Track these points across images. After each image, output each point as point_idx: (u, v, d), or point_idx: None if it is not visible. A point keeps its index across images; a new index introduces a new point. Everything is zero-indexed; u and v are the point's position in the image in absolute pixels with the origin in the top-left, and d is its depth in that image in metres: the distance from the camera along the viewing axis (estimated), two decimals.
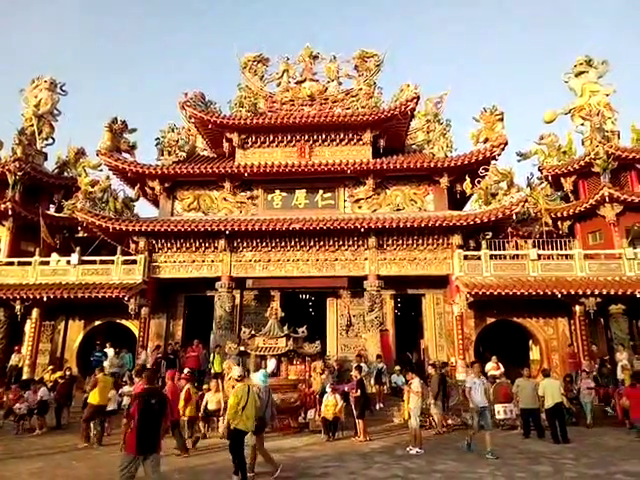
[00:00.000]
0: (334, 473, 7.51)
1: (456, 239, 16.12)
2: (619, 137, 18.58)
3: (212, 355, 14.47)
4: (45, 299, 15.72)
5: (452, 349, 15.88)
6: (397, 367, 14.40)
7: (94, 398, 10.01)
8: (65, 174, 20.78)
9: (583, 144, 19.03)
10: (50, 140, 21.01)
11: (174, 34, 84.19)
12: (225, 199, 17.89)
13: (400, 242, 16.44)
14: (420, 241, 16.39)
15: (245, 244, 16.89)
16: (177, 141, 18.30)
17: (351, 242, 16.58)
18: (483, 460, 8.32)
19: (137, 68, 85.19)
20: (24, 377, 14.91)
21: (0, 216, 18.36)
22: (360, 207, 17.50)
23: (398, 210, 17.29)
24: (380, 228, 15.85)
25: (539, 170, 19.93)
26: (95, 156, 18.62)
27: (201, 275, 16.97)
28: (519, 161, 20.22)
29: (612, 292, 14.25)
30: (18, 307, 15.80)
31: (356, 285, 16.69)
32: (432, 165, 16.74)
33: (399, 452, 9.00)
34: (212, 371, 13.90)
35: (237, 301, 17.25)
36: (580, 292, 14.39)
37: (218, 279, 16.73)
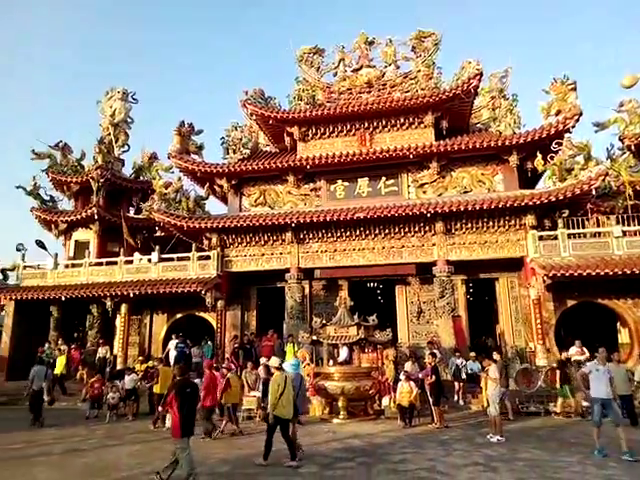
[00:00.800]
0: (412, 459, 7.58)
1: (529, 219, 15.38)
2: None
3: (286, 344, 14.96)
4: (131, 295, 17.00)
5: (530, 334, 15.26)
6: (472, 353, 14.10)
7: (157, 388, 11.05)
8: (141, 178, 22.24)
9: None
10: (126, 147, 22.53)
11: (233, 33, 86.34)
12: (289, 192, 18.26)
13: (469, 225, 15.98)
14: (490, 223, 15.82)
15: (311, 235, 17.18)
16: (241, 139, 18.87)
17: (417, 228, 16.35)
18: (567, 448, 8.04)
19: (199, 71, 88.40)
20: (118, 367, 16.27)
21: (88, 220, 20.03)
22: (425, 192, 17.17)
23: (465, 192, 16.76)
24: (447, 212, 15.48)
25: (620, 140, 18.40)
26: (167, 159, 19.69)
27: (271, 267, 17.52)
28: (596, 132, 18.75)
29: None
30: (109, 303, 17.23)
31: (425, 271, 16.47)
32: (500, 143, 16.03)
33: (479, 440, 8.88)
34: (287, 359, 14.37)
35: (306, 291, 17.65)
36: None
37: (287, 271, 17.19)
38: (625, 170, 16.63)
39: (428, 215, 15.63)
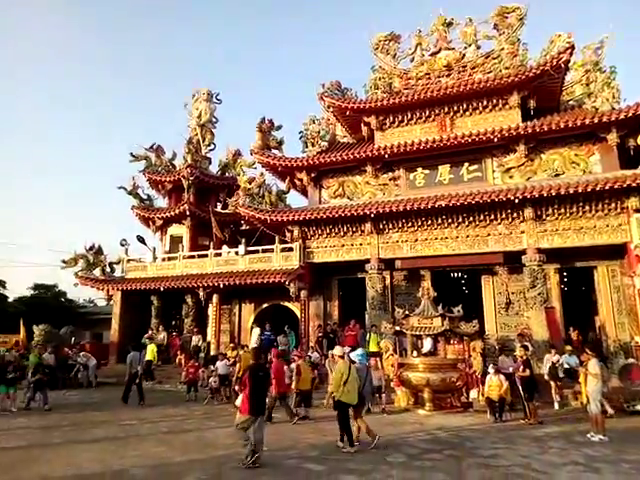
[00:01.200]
0: (504, 455, 7.36)
1: (633, 202, 14.08)
2: None
3: (368, 334, 15.10)
4: (221, 286, 18.07)
5: (636, 327, 14.05)
6: (568, 347, 13.26)
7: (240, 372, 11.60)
8: (226, 174, 23.40)
9: None
10: (212, 146, 23.81)
11: (310, 25, 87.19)
12: (368, 183, 18.24)
13: (562, 211, 14.97)
14: (587, 208, 14.71)
15: (391, 225, 17.08)
16: (319, 132, 19.14)
17: (504, 215, 15.62)
18: None
19: (276, 67, 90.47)
20: (211, 354, 17.42)
21: (180, 216, 21.52)
22: (511, 177, 16.32)
23: (557, 175, 15.69)
24: (537, 197, 14.62)
25: None
26: (249, 155, 20.52)
27: (351, 258, 17.69)
28: None
29: None
30: (201, 293, 18.46)
31: (513, 260, 15.72)
32: (596, 121, 14.77)
33: (578, 438, 8.39)
34: (369, 350, 14.52)
35: (387, 282, 17.62)
36: None
37: (367, 261, 17.26)
38: None
39: (516, 201, 14.87)
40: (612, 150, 15.15)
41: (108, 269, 21.05)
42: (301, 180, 19.23)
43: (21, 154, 79.05)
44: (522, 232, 15.49)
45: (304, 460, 7.02)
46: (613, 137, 14.94)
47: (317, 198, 19.04)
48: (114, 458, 7.19)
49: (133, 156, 23.03)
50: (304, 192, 20.26)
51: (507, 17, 17.35)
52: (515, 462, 6.92)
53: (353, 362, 8.64)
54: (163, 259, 20.75)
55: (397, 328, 12.93)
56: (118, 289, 20.22)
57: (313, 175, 18.94)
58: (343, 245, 17.88)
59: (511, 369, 10.81)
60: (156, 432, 9.20)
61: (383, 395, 11.16)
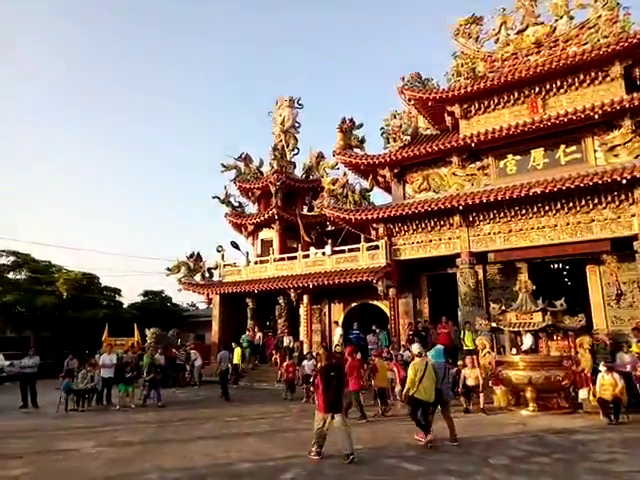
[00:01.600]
0: (624, 460, 6.73)
1: None
2: None
3: (462, 332, 14.59)
4: (311, 286, 18.54)
5: None
6: None
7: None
8: (310, 177, 23.95)
9: None
10: (296, 150, 24.54)
11: (389, 17, 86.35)
12: (454, 174, 17.60)
13: None
14: None
15: (481, 217, 16.34)
16: (400, 126, 18.87)
17: (610, 198, 14.23)
18: None
19: (353, 65, 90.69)
20: (304, 353, 17.92)
21: (269, 221, 22.44)
22: (616, 155, 14.79)
23: None
24: None
25: None
26: (332, 157, 20.79)
27: (439, 254, 17.20)
28: None
29: None
30: (292, 294, 19.09)
31: (623, 247, 14.24)
32: None
33: None
34: (464, 347, 14.04)
35: (480, 276, 16.88)
36: None
37: (457, 256, 16.67)
38: None
39: (624, 182, 13.46)
40: None
41: (207, 274, 22.56)
42: (384, 177, 19.08)
43: (130, 170, 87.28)
44: (632, 215, 13.98)
45: (401, 459, 6.98)
46: None
47: (401, 194, 18.76)
48: (220, 452, 7.68)
49: (224, 166, 24.40)
50: (387, 189, 20.08)
51: None
52: (637, 468, 6.30)
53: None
54: (255, 262, 21.76)
55: (493, 324, 12.34)
56: (216, 293, 21.57)
57: (396, 171, 18.69)
58: (431, 240, 17.44)
59: (628, 367, 9.82)
60: (257, 429, 9.67)
61: (481, 394, 10.72)
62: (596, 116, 14.46)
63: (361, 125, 19.99)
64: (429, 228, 17.39)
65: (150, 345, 18.60)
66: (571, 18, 16.41)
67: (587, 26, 15.82)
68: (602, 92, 15.12)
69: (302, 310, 19.92)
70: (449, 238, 17.06)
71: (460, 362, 11.79)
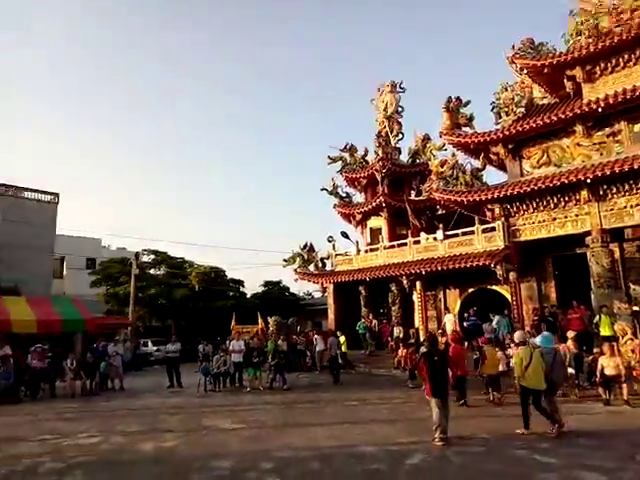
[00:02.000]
0: None
1: None
2: None
3: (597, 316, 13.27)
4: (423, 273, 18.22)
5: None
6: None
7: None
8: (417, 161, 23.41)
9: None
10: (400, 135, 24.12)
11: None
12: (578, 144, 15.95)
13: None
14: None
15: (615, 190, 14.63)
16: (512, 99, 17.52)
17: None
18: None
19: (456, 39, 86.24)
20: (421, 340, 17.72)
21: (377, 209, 22.45)
22: None
23: None
24: None
25: None
26: (439, 138, 20.07)
27: (565, 232, 15.77)
28: None
29: None
30: (404, 281, 18.94)
31: None
32: None
33: None
34: (600, 333, 12.76)
35: (616, 255, 15.16)
36: None
37: (587, 234, 15.14)
38: None
39: None
40: None
41: (320, 264, 23.32)
42: (497, 154, 17.96)
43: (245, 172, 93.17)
44: None
45: (533, 450, 6.66)
46: None
47: (518, 171, 17.51)
48: (344, 435, 8.02)
49: (330, 158, 24.88)
50: (501, 167, 18.87)
51: None
52: None
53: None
54: (366, 251, 21.94)
55: (635, 308, 11.08)
56: (330, 282, 22.21)
57: (510, 146, 17.48)
58: (554, 219, 16.05)
59: None
60: (378, 413, 9.88)
61: (624, 385, 9.69)
62: None
63: (468, 102, 18.98)
64: (552, 205, 16.03)
65: (273, 332, 19.85)
66: None
67: None
68: None
69: (415, 297, 19.67)
70: (576, 215, 15.56)
71: (596, 350, 10.77)
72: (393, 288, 20.14)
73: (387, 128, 23.82)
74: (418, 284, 19.27)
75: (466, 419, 8.76)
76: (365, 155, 24.49)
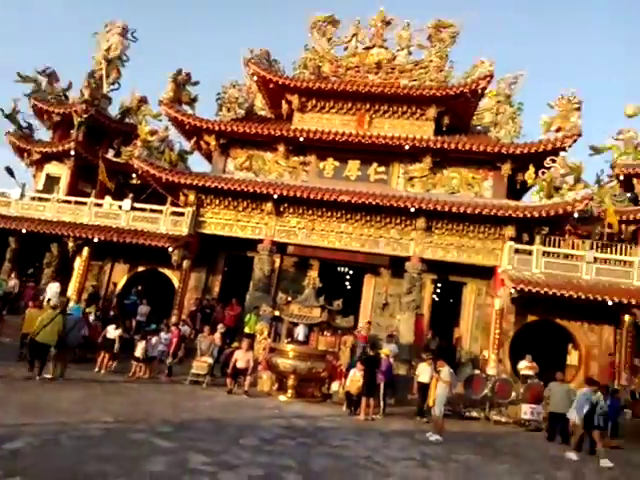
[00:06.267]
0: (352, 446, 7.52)
1: (509, 230, 15.36)
2: None
3: (248, 315, 14.73)
4: (96, 240, 16.37)
5: (487, 342, 15.37)
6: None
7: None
8: (127, 120, 21.34)
9: None
10: (116, 85, 21.59)
11: None
12: (277, 162, 17.78)
13: (450, 227, 15.86)
14: (471, 228, 15.73)
15: (291, 210, 16.83)
16: (237, 98, 18.20)
17: (399, 221, 16.16)
18: (503, 456, 8.13)
19: (203, 21, 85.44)
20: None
21: (63, 154, 19.17)
22: (413, 185, 16.94)
23: (452, 193, 16.63)
24: (432, 210, 15.27)
25: (611, 167, 18.50)
26: (157, 106, 18.88)
27: (245, 236, 17.13)
28: (591, 155, 18.79)
29: None
30: (71, 244, 16.57)
31: (398, 265, 16.34)
32: (496, 150, 15.86)
33: (418, 436, 8.89)
34: (245, 330, 14.18)
35: (276, 265, 17.30)
36: (633, 302, 13.42)
37: (260, 241, 16.85)
38: (609, 197, 16.76)
39: (412, 210, 15.44)
40: (503, 179, 16.41)
41: None
42: (208, 144, 18.19)
43: None
44: (411, 240, 16.16)
45: (152, 435, 6.58)
46: (507, 168, 16.18)
47: (222, 166, 18.15)
48: None
49: (20, 76, 20.08)
50: (209, 157, 19.23)
51: (441, 31, 17.84)
52: (360, 454, 7.08)
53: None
54: (33, 198, 18.27)
55: (276, 313, 12.75)
56: None
57: (222, 142, 18.00)
58: (239, 220, 17.24)
59: (384, 368, 11.07)
60: None
61: (248, 377, 10.91)
62: (407, 147, 16.31)
63: (197, 83, 18.73)
64: (241, 208, 17.17)
65: None
66: (410, 53, 18.19)
67: (421, 65, 17.75)
68: (416, 127, 17.13)
69: (78, 263, 17.34)
70: (257, 223, 17.11)
71: (235, 344, 11.82)
72: (54, 249, 17.28)
73: (104, 71, 20.93)
74: (86, 250, 17.07)
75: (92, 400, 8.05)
76: (67, 89, 20.87)
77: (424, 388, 10.20)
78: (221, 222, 17.30)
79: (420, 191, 16.69)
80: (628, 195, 17.95)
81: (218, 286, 18.00)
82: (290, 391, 11.13)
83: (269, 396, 11.30)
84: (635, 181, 17.65)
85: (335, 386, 11.50)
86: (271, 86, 17.90)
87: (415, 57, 18.14)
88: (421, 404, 10.53)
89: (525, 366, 13.46)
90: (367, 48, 18.48)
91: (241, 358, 10.87)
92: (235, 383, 10.95)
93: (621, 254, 15.13)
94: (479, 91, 16.24)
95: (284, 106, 18.18)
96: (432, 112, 16.93)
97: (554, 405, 10.29)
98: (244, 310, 15.51)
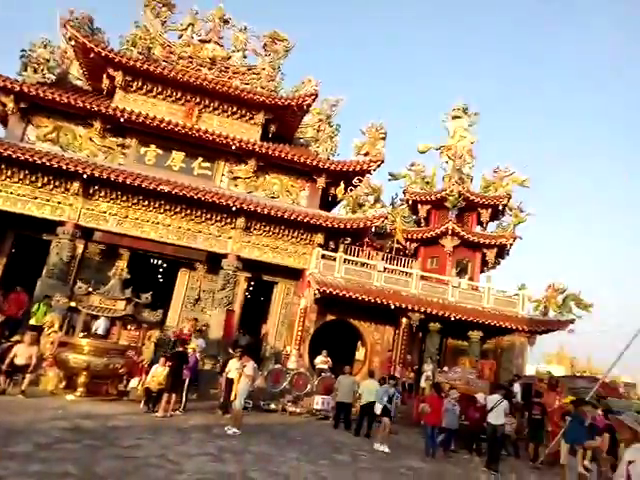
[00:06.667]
0: (145, 446, 7.32)
1: (319, 237, 16.90)
2: (472, 181, 21.18)
3: (37, 305, 13.06)
4: None
5: (290, 338, 16.59)
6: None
7: None
8: None
9: (443, 180, 21.32)
10: None
11: None
12: (91, 139, 16.22)
13: (267, 229, 16.68)
14: (286, 232, 16.82)
15: (103, 194, 15.54)
16: (48, 60, 16.02)
17: (219, 218, 16.33)
18: (293, 445, 8.91)
19: None
20: None
21: None
22: (237, 185, 17.31)
23: (273, 197, 17.52)
24: (253, 211, 15.86)
25: (403, 193, 21.78)
26: None
27: (42, 215, 15.18)
28: (390, 180, 21.87)
29: (434, 312, 16.26)
30: None
31: (214, 261, 16.50)
32: (315, 163, 17.28)
33: (216, 431, 9.12)
34: (30, 322, 12.53)
35: (78, 251, 15.72)
36: (410, 307, 16.14)
37: (62, 224, 15.16)
38: (400, 218, 19.78)
39: (234, 209, 15.76)
40: (318, 191, 17.97)
41: None
42: (5, 105, 15.59)
43: None
44: (230, 238, 16.49)
45: None
46: (322, 181, 17.76)
47: (20, 133, 15.77)
48: None
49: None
50: (4, 121, 16.45)
51: (276, 43, 18.66)
52: (153, 453, 6.94)
53: None
54: None
55: (73, 304, 11.62)
56: None
57: (23, 105, 15.64)
58: (37, 197, 15.20)
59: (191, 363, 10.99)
60: None
61: (27, 375, 9.69)
62: (233, 147, 16.59)
63: None
64: (40, 184, 15.17)
65: None
66: (245, 57, 18.55)
67: (254, 71, 18.26)
68: (244, 130, 17.55)
69: None
70: (59, 202, 15.34)
71: (17, 337, 10.40)
72: None
73: None
74: None
75: None
76: None
77: (231, 383, 10.52)
78: (12, 196, 15.01)
79: (243, 191, 17.15)
80: (414, 217, 21.40)
81: (1, 270, 15.49)
82: (80, 389, 10.22)
83: (53, 395, 10.21)
84: (420, 206, 21.10)
85: (134, 382, 11.01)
86: (92, 56, 16.23)
87: (249, 61, 18.59)
88: (226, 399, 10.81)
89: (321, 360, 14.88)
90: (202, 41, 18.22)
91: (21, 354, 9.62)
92: (11, 382, 9.64)
93: (404, 266, 18.04)
94: (305, 107, 17.51)
95: (105, 81, 16.72)
96: (260, 118, 17.59)
97: (341, 395, 11.66)
98: (32, 299, 13.69)
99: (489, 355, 17.84)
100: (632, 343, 10.31)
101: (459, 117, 21.67)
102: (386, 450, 9.46)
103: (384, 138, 17.99)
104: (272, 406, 12.40)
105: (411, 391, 15.51)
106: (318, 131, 18.82)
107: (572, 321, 17.34)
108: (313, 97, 17.47)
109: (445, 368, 15.10)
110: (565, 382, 15.35)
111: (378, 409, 10.38)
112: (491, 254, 19.87)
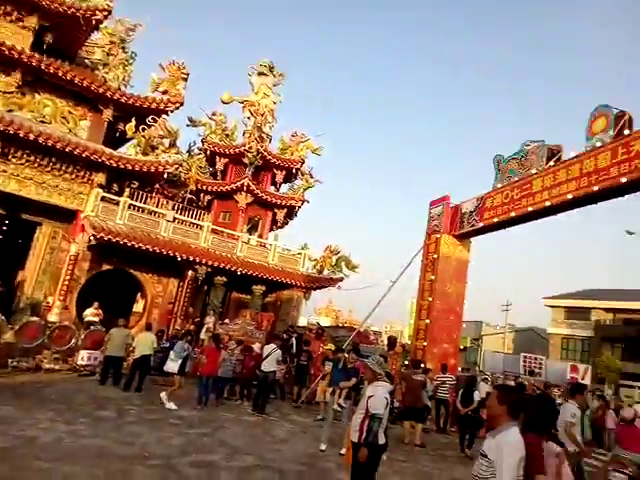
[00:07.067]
0: None
1: (100, 177, 14.96)
2: (270, 141, 21.45)
3: None
4: None
5: (54, 288, 14.52)
6: None
7: None
8: None
9: (243, 135, 21.00)
10: None
11: None
12: None
13: (32, 159, 13.98)
14: (58, 165, 14.38)
15: None
16: None
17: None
18: (46, 405, 7.94)
19: None
20: None
21: None
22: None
23: (43, 122, 14.68)
24: (11, 134, 12.97)
25: (202, 142, 20.74)
26: None
27: None
28: (188, 126, 20.52)
29: (222, 266, 16.32)
30: None
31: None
32: (101, 90, 15.05)
33: None
34: None
35: None
36: (198, 260, 15.81)
37: None
38: (196, 168, 19.00)
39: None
40: (103, 124, 15.78)
41: None
42: None
43: None
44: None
45: None
46: (109, 113, 15.64)
47: None
48: None
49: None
50: None
51: None
52: None
53: None
54: None
55: None
56: None
57: None
58: None
59: None
60: None
61: None
62: None
63: None
64: None
65: None
66: None
67: None
68: (11, 33, 14.29)
69: None
70: None
71: None
72: None
73: None
74: None
75: None
76: None
77: None
78: None
79: (1, 109, 13.88)
80: (210, 169, 20.72)
81: None
82: None
83: None
84: (218, 159, 20.46)
85: None
86: None
87: None
88: None
89: (91, 312, 13.51)
90: None
91: None
92: None
93: (196, 218, 17.44)
94: (94, 22, 14.90)
95: None
96: (33, 21, 14.43)
97: (111, 349, 10.84)
98: None
99: (269, 308, 18.94)
100: (381, 301, 12.29)
101: (264, 74, 21.49)
102: (173, 407, 9.17)
103: (186, 79, 16.75)
104: (23, 364, 10.75)
105: (191, 343, 15.39)
106: (109, 55, 16.33)
107: (341, 279, 19.65)
108: (105, 13, 14.99)
109: (227, 320, 15.43)
110: (329, 332, 17.50)
111: (175, 367, 9.97)
112: (281, 214, 20.77)
